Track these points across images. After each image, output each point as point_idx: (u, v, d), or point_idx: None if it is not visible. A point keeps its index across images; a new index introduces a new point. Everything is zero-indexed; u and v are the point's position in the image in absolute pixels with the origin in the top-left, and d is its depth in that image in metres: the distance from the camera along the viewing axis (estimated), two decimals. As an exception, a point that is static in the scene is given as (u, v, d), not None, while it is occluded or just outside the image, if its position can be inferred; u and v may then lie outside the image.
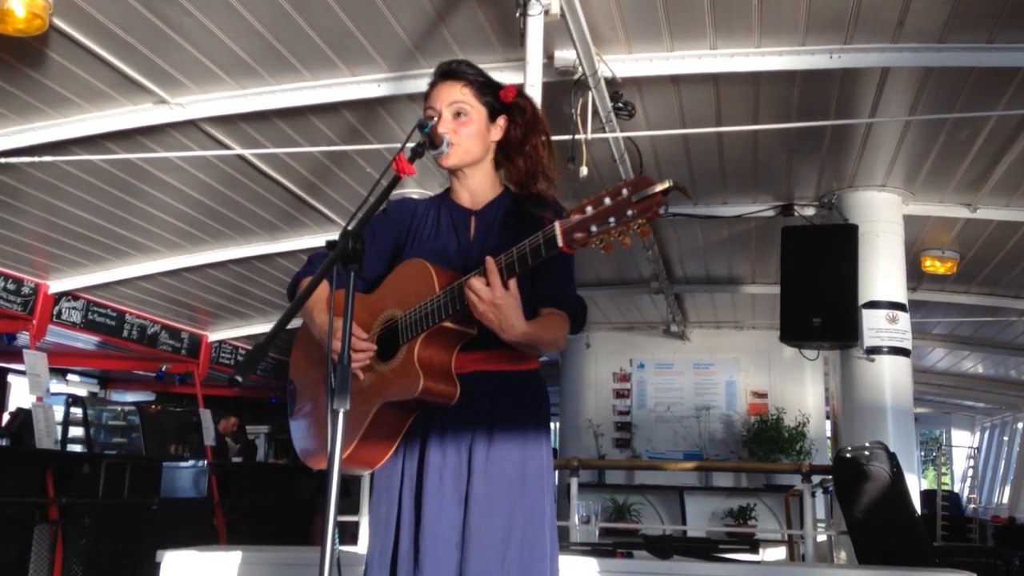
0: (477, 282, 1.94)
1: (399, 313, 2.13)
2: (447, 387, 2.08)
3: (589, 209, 1.80)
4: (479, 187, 2.30)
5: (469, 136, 2.24)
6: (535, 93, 3.83)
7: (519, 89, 2.37)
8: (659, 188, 1.72)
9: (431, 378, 2.04)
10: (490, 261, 1.95)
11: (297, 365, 2.39)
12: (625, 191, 1.75)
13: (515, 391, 2.19)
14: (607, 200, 1.77)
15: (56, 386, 12.27)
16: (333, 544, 1.73)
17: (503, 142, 2.31)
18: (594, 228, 1.78)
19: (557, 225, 1.84)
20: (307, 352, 2.35)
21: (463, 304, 1.99)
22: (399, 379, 2.08)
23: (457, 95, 2.25)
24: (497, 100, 2.29)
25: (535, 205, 2.20)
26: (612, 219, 1.76)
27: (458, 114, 2.24)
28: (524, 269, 1.94)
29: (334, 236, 1.91)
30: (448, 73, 2.28)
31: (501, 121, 2.30)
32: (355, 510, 6.04)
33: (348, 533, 6.16)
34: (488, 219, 2.26)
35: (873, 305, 6.43)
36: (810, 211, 6.93)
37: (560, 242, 1.83)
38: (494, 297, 1.93)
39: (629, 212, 1.74)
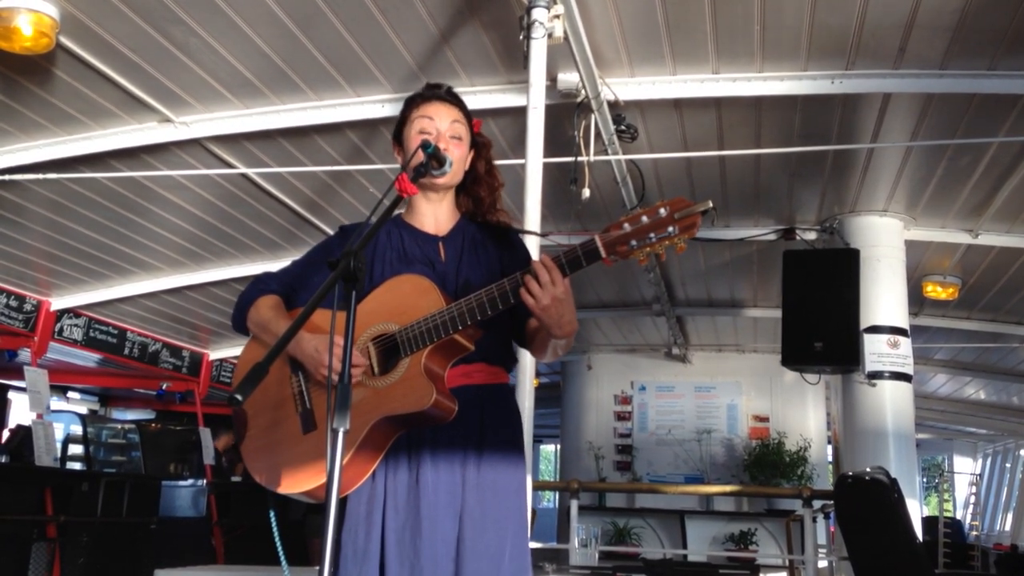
0: (544, 275, 1.99)
1: (394, 327, 2.12)
2: (450, 401, 2.09)
3: (627, 226, 1.94)
4: (445, 211, 2.36)
5: (460, 159, 2.32)
6: (538, 115, 3.85)
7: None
8: (699, 208, 1.90)
9: (439, 391, 2.05)
10: (546, 258, 2.01)
11: None
12: (663, 210, 1.92)
13: (500, 404, 2.24)
14: (645, 218, 1.93)
15: (56, 403, 12.24)
16: (332, 566, 1.71)
17: (466, 173, 2.39)
18: (635, 242, 1.94)
19: (597, 239, 1.96)
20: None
21: (511, 302, 2.02)
22: (404, 392, 2.06)
23: (456, 117, 2.33)
24: (473, 134, 2.40)
25: (509, 231, 2.36)
26: (653, 235, 1.92)
27: (455, 135, 2.31)
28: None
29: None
30: (446, 98, 2.35)
31: (471, 153, 2.39)
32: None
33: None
34: (456, 245, 2.31)
35: (874, 330, 6.43)
36: (812, 235, 6.94)
37: (603, 254, 1.96)
38: (556, 291, 1.99)
39: (671, 229, 1.91)
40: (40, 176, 5.56)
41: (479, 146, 2.41)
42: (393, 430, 2.12)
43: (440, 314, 2.06)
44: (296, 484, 2.10)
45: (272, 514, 2.32)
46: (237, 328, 2.35)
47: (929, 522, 12.05)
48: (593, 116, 4.81)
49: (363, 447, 2.07)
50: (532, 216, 3.68)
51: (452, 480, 2.11)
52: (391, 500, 2.12)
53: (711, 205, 1.91)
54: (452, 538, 2.08)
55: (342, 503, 2.13)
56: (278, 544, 2.31)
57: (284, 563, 2.28)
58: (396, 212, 2.37)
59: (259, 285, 2.34)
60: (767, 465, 10.67)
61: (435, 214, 2.34)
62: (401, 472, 2.13)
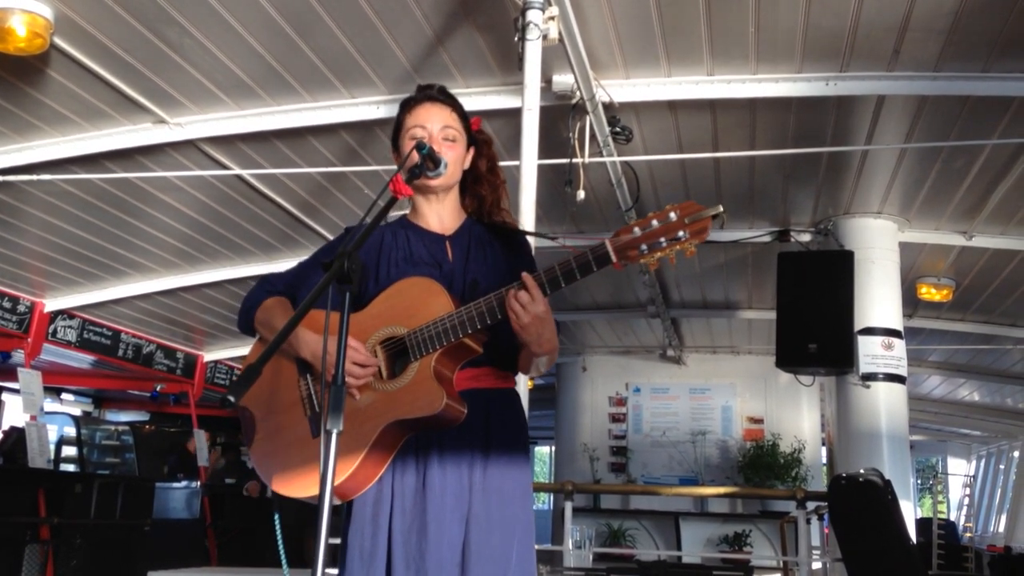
0: (523, 295, 1.99)
1: (402, 330, 2.11)
2: (460, 405, 2.08)
3: (637, 230, 1.94)
4: (448, 212, 2.34)
5: (456, 160, 2.29)
6: (533, 117, 3.85)
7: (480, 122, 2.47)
8: (711, 212, 1.90)
9: (449, 395, 2.05)
10: (527, 276, 2.01)
11: (255, 388, 2.17)
12: (674, 214, 1.91)
13: (506, 408, 2.24)
14: (655, 222, 1.92)
15: (50, 405, 12.22)
16: (324, 568, 1.71)
17: (467, 172, 2.38)
18: (645, 247, 1.93)
19: (608, 243, 1.95)
20: (271, 373, 2.22)
21: (498, 317, 2.02)
22: (414, 396, 2.06)
23: (448, 119, 2.31)
24: (470, 132, 2.37)
25: (513, 231, 2.35)
26: (663, 239, 1.92)
27: (447, 138, 2.29)
28: (570, 284, 2.01)
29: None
30: (437, 98, 2.34)
31: (471, 152, 2.38)
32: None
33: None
34: (462, 243, 2.30)
35: (869, 332, 6.44)
36: (806, 237, 6.94)
37: (613, 258, 1.95)
38: (538, 310, 1.99)
39: (681, 233, 1.91)
40: (34, 177, 5.54)
41: (479, 144, 2.39)
42: (403, 433, 2.12)
43: (450, 317, 2.05)
44: (308, 487, 2.10)
45: (276, 516, 2.32)
46: (243, 329, 2.33)
47: (923, 524, 12.06)
48: (588, 118, 4.81)
49: (373, 450, 2.07)
50: (527, 218, 3.68)
51: (459, 483, 2.11)
52: (398, 502, 2.12)
53: (721, 209, 1.90)
54: (458, 542, 2.08)
55: (348, 504, 2.14)
56: (280, 546, 2.31)
57: (284, 565, 2.28)
58: (401, 214, 2.37)
59: (265, 286, 2.33)
60: (761, 467, 10.69)
61: (439, 215, 2.33)
62: (408, 475, 2.13)
